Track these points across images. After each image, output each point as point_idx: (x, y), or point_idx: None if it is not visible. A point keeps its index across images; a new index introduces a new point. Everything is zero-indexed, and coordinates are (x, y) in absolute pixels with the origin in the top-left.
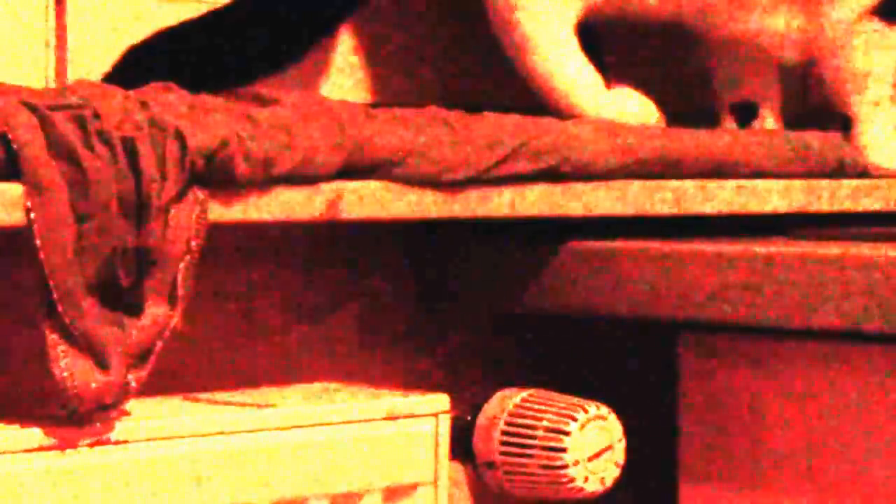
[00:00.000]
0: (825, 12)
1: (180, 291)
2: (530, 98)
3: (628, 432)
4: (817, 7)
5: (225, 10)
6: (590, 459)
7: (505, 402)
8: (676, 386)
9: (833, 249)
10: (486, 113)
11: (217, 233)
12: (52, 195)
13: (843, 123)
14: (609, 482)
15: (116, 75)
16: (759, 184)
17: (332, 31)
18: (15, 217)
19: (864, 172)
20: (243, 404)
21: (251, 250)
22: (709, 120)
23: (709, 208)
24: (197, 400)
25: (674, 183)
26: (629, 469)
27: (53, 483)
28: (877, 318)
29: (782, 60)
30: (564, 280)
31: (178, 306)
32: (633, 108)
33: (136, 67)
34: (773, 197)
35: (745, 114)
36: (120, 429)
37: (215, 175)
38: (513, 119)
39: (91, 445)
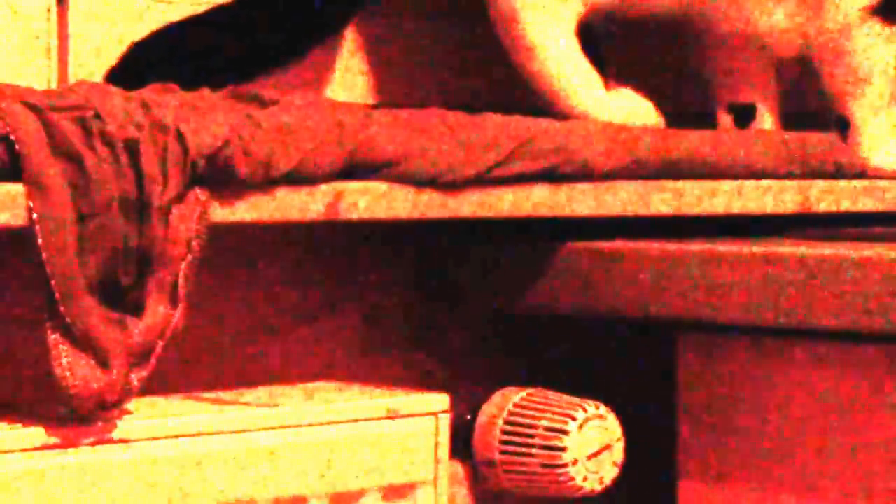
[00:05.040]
0: (824, 11)
1: (181, 291)
2: (530, 98)
3: (627, 432)
4: (817, 6)
5: (230, 6)
6: (589, 458)
7: (504, 402)
8: (675, 386)
9: (832, 250)
10: (486, 113)
11: (218, 233)
12: (53, 195)
13: (841, 124)
14: (608, 481)
15: (121, 70)
16: (758, 184)
17: (337, 32)
18: (17, 217)
19: (861, 173)
20: (243, 404)
21: (251, 250)
22: (708, 121)
23: (708, 208)
24: (198, 399)
25: (673, 183)
26: (628, 468)
27: (55, 482)
28: (876, 318)
29: (781, 58)
30: (564, 280)
31: (180, 306)
32: (632, 109)
33: (140, 63)
34: (772, 197)
35: (744, 115)
36: (121, 428)
37: (216, 175)
38: (513, 120)
39: (93, 444)
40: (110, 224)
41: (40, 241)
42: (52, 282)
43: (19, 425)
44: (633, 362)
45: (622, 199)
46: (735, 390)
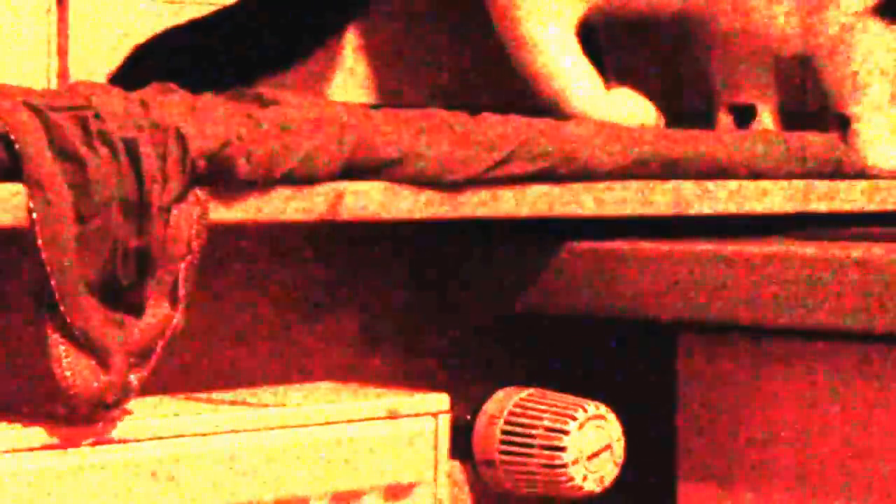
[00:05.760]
0: (825, 11)
1: (181, 291)
2: (530, 98)
3: (627, 432)
4: (817, 5)
5: (232, 9)
6: (589, 458)
7: (505, 402)
8: (676, 386)
9: (832, 250)
10: (486, 114)
11: (218, 233)
12: (53, 195)
13: (842, 124)
14: (608, 481)
15: (124, 73)
16: (758, 184)
17: (338, 33)
18: (17, 217)
19: (862, 173)
20: (243, 404)
21: (251, 250)
22: (708, 121)
23: (708, 208)
24: (197, 400)
25: (673, 183)
26: (628, 468)
27: (55, 482)
28: (876, 318)
29: (782, 57)
30: (564, 280)
31: (180, 306)
32: (632, 109)
33: (143, 65)
34: (772, 197)
35: (744, 115)
36: (121, 428)
37: (216, 175)
38: (513, 120)
39: (92, 445)
40: (110, 224)
41: (40, 241)
42: (52, 282)
43: (19, 425)
44: (633, 362)
45: (622, 199)
46: (735, 390)
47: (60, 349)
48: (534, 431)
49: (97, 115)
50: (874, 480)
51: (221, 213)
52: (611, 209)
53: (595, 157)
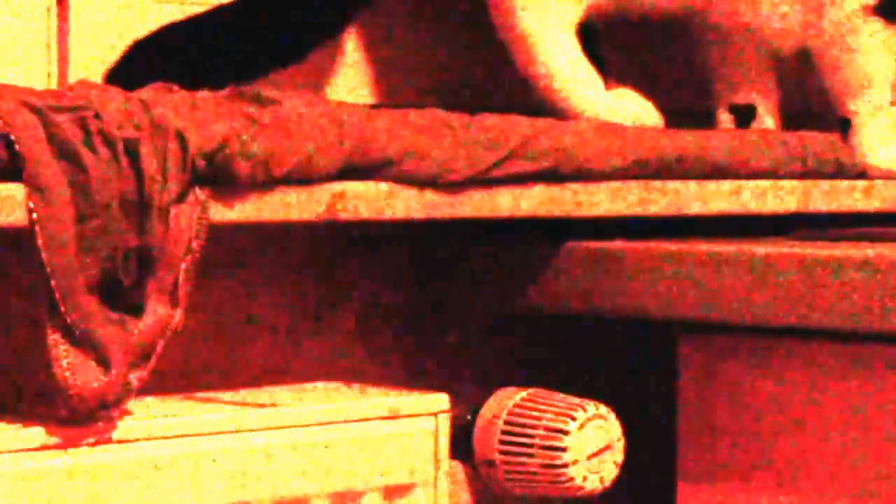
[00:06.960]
0: (825, 11)
1: (181, 291)
2: (530, 98)
3: (627, 432)
4: (818, 5)
5: (232, 7)
6: (589, 458)
7: (504, 402)
8: (676, 386)
9: (832, 250)
10: (486, 113)
11: (218, 233)
12: (53, 195)
13: (842, 124)
14: (608, 481)
15: (121, 70)
16: (758, 184)
17: (338, 33)
18: (17, 217)
19: (862, 173)
20: (243, 404)
21: (251, 250)
22: (708, 121)
23: (708, 208)
24: (198, 399)
25: (674, 183)
26: (628, 468)
27: (55, 482)
28: (876, 318)
29: (782, 57)
30: (564, 280)
31: (180, 306)
32: (632, 109)
33: (140, 63)
34: (772, 197)
35: (744, 115)
36: (121, 428)
37: (216, 176)
38: (513, 119)
39: (93, 445)
40: (110, 224)
41: (40, 241)
42: (52, 282)
43: (19, 425)
44: (633, 362)
45: (622, 199)
46: (735, 390)
47: (61, 349)
48: (534, 431)
49: (97, 115)
50: (874, 480)
51: (221, 213)
52: (611, 209)
53: (595, 157)
